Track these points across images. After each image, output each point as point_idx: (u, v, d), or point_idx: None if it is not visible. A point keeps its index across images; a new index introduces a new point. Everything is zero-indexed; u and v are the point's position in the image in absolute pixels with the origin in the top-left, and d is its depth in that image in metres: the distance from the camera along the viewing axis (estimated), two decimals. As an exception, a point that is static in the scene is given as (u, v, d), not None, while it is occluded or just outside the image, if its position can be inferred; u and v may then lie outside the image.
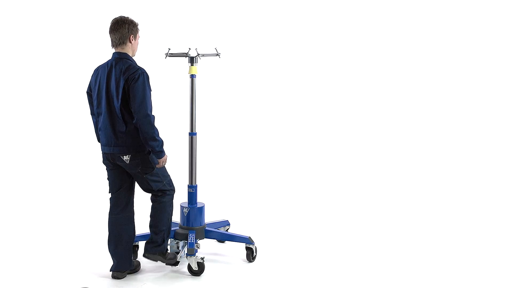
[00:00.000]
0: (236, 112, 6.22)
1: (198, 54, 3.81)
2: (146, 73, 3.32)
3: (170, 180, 3.59)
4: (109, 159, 3.44)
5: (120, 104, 3.29)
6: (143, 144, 3.36)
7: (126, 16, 3.39)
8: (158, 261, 3.63)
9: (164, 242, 3.57)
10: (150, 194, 3.57)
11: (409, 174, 5.82)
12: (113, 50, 3.41)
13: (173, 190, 3.60)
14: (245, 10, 6.14)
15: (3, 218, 4.76)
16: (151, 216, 3.57)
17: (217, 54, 3.91)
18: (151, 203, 3.57)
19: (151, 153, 3.41)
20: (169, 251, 3.71)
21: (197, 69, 3.82)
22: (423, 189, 5.53)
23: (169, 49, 3.84)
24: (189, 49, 3.81)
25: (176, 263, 3.64)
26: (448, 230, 4.51)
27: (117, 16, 3.41)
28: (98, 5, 5.98)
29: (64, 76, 6.04)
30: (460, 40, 6.04)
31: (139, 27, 3.43)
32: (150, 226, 3.57)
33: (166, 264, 3.62)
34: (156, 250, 3.55)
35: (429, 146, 6.04)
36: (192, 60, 3.81)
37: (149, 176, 3.44)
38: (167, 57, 3.85)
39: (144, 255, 3.58)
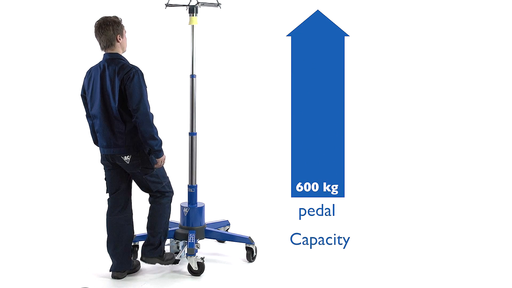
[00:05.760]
0: (236, 111, 6.19)
1: (198, 3, 3.78)
2: (140, 71, 3.32)
3: (169, 182, 3.58)
4: (108, 160, 3.44)
5: (118, 104, 3.28)
6: (143, 144, 3.36)
7: (107, 16, 3.36)
8: (156, 264, 3.62)
9: (161, 244, 3.55)
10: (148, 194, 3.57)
11: (412, 174, 5.81)
12: (103, 52, 3.39)
13: (172, 193, 3.59)
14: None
15: (3, 219, 4.75)
16: (148, 217, 3.56)
17: (218, 4, 3.85)
18: (149, 205, 3.56)
19: (151, 154, 3.41)
20: (167, 251, 3.70)
21: (197, 19, 3.80)
22: (423, 189, 5.52)
23: None
24: (190, 0, 3.79)
25: (175, 262, 3.64)
26: (448, 231, 4.52)
27: (105, 14, 3.38)
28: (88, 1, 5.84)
29: (57, 78, 5.98)
30: (460, 39, 6.03)
31: (123, 22, 3.39)
32: (148, 228, 3.56)
33: (165, 265, 3.62)
34: (154, 253, 3.53)
35: (429, 146, 6.03)
36: (192, 10, 3.78)
37: (149, 177, 3.43)
38: (167, 7, 3.82)
39: (141, 259, 3.57)
